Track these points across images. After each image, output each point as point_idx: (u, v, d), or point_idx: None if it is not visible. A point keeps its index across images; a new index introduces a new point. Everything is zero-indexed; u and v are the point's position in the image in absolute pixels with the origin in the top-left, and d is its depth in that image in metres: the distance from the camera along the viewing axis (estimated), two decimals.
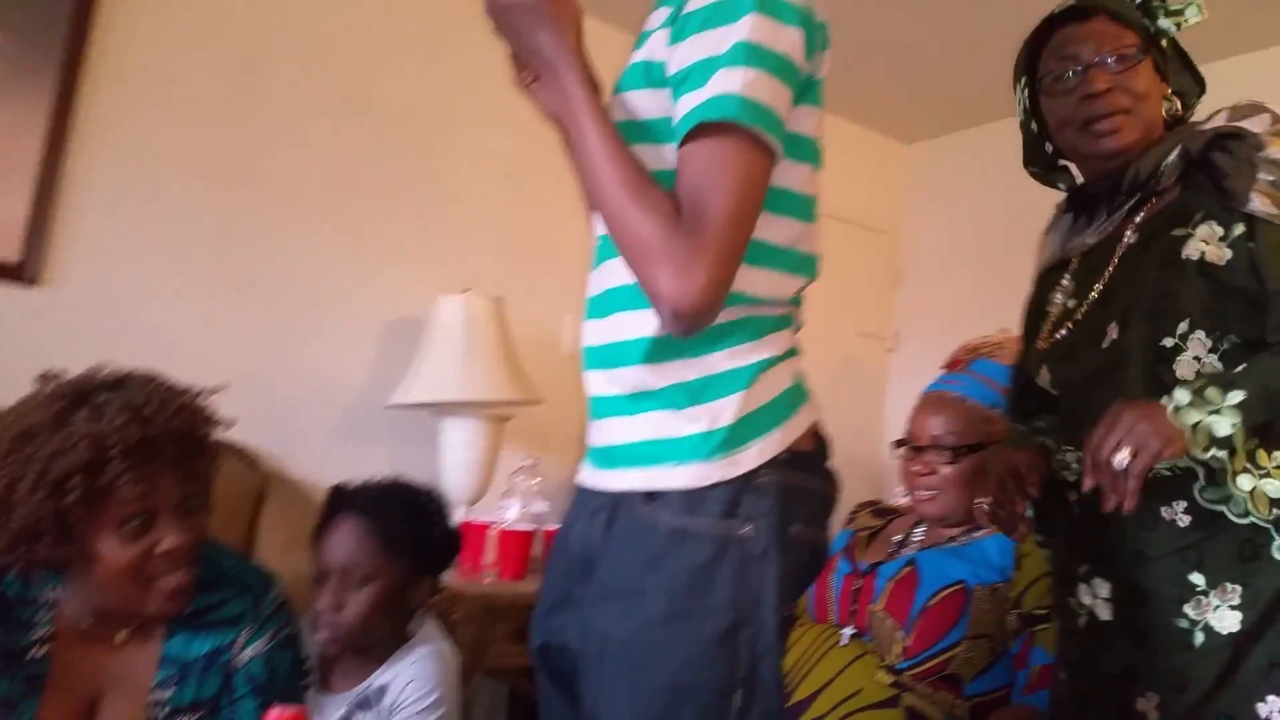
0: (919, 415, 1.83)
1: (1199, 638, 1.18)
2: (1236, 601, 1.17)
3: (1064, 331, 1.34)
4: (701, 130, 0.91)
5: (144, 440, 1.17)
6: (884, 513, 1.95)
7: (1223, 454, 1.13)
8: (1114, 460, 1.10)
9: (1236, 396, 1.11)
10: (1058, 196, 1.49)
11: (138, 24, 2.42)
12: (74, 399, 1.20)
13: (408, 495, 1.52)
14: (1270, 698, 1.14)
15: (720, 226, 0.89)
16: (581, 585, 1.03)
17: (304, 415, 2.63)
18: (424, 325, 2.66)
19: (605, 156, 0.94)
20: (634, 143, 0.98)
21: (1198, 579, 1.19)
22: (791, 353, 1.07)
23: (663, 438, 0.98)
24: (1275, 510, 1.16)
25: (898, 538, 1.85)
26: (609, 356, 1.04)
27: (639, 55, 1.02)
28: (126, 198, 2.40)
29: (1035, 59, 1.39)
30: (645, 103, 1.00)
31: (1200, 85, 1.39)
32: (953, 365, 1.91)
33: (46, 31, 2.31)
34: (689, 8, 0.96)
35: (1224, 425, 1.10)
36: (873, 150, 3.95)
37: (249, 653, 1.32)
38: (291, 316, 2.64)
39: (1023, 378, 1.46)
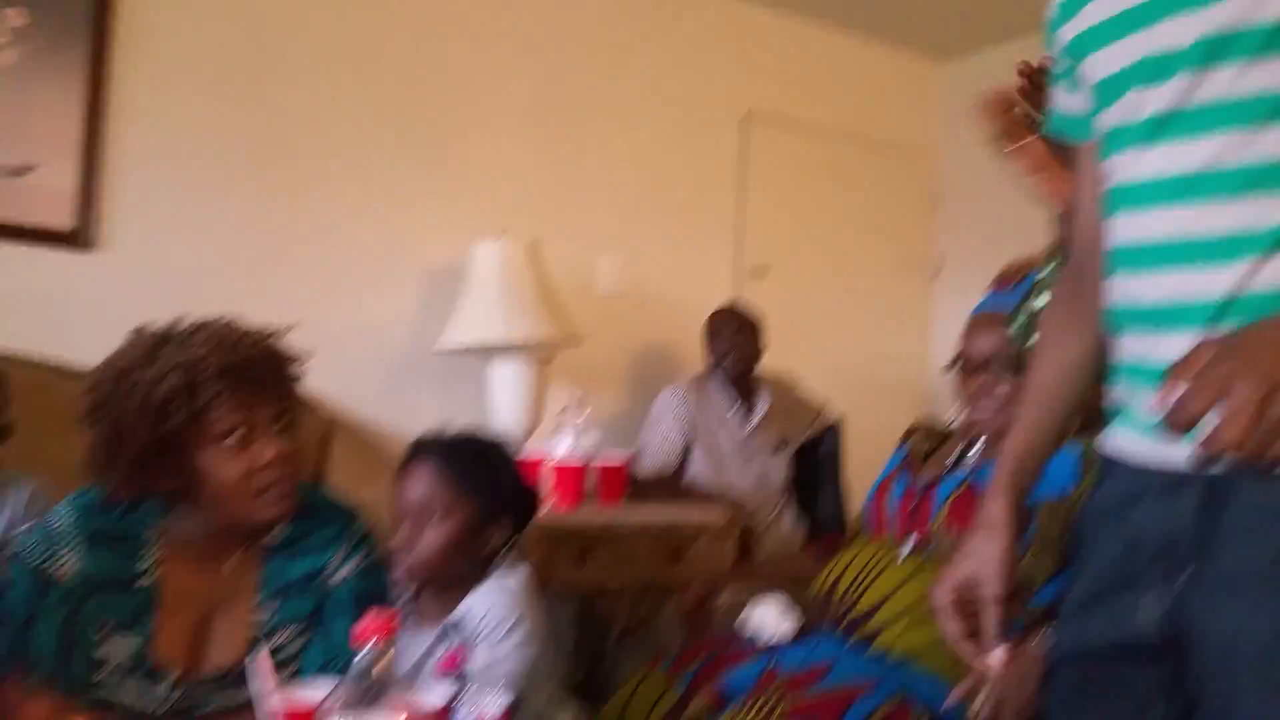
0: (970, 335, 1.82)
1: None
2: None
3: None
4: None
5: (231, 364, 1.25)
6: (939, 432, 1.98)
7: None
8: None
9: None
10: None
11: None
12: (160, 339, 1.28)
13: (480, 443, 1.59)
14: None
15: None
16: (1160, 568, 0.91)
17: (358, 364, 2.70)
18: (463, 271, 2.73)
19: None
20: None
21: None
22: None
23: None
24: None
25: (954, 455, 1.87)
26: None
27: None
28: (165, 164, 2.48)
29: None
30: None
31: None
32: (1003, 282, 1.91)
33: (70, 9, 2.35)
34: None
35: None
36: (904, 70, 3.92)
37: (340, 575, 1.39)
38: (336, 270, 2.70)
39: None
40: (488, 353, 2.68)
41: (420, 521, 1.48)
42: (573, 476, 2.46)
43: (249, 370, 1.27)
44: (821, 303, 3.65)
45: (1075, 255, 1.13)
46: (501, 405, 2.67)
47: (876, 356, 3.77)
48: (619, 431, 2.98)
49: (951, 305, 3.71)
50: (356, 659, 0.96)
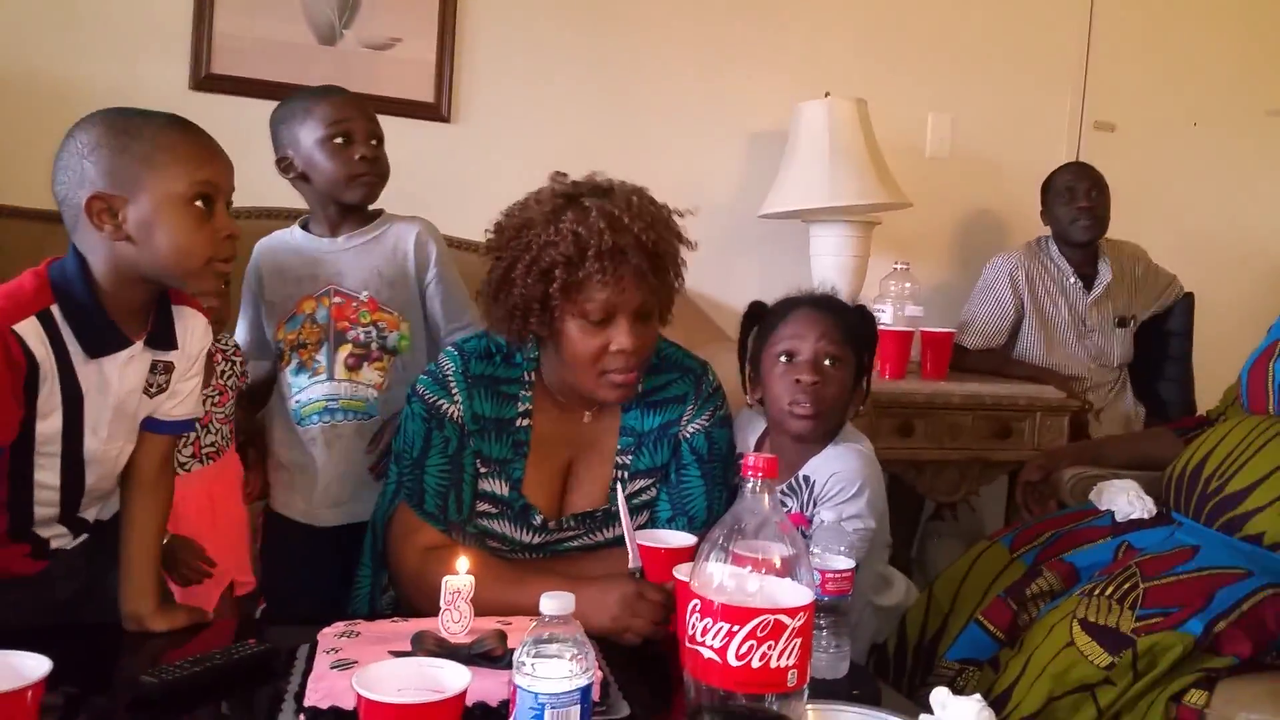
0: None
1: None
2: None
3: None
4: None
5: (618, 246, 1.27)
6: None
7: None
8: None
9: None
10: None
11: None
12: (566, 199, 1.33)
13: (850, 303, 1.62)
14: None
15: None
16: None
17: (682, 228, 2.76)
18: (788, 134, 2.67)
19: None
20: None
21: None
22: None
23: None
24: None
25: None
26: None
27: None
28: (511, 41, 2.61)
29: None
30: None
31: None
32: None
33: None
34: None
35: None
36: None
37: (693, 427, 1.46)
38: (662, 136, 2.74)
39: None
40: (811, 217, 2.65)
41: (819, 365, 1.49)
42: (898, 345, 2.42)
43: (629, 255, 1.28)
44: (1174, 162, 3.27)
45: None
46: (823, 271, 2.64)
47: (1236, 223, 3.34)
48: (944, 301, 2.87)
49: None
50: (739, 496, 1.00)
